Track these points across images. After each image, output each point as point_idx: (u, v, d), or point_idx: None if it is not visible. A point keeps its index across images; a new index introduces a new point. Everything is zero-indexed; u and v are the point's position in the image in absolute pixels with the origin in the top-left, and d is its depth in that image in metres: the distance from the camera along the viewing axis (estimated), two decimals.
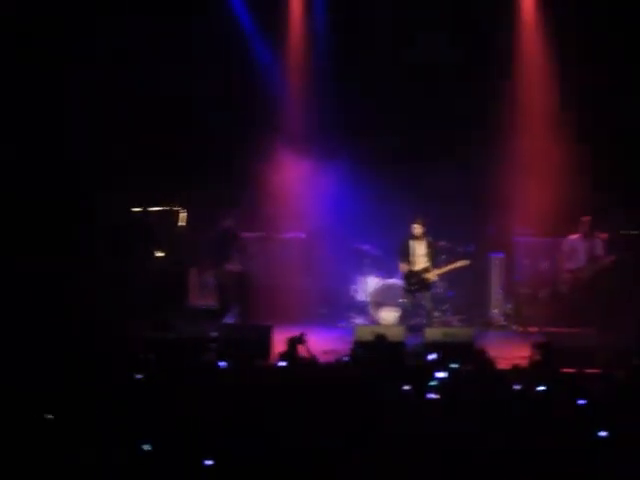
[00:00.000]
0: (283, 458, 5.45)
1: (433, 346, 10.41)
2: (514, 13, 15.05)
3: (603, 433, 5.81)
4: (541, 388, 7.02)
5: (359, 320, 14.42)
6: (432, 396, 6.81)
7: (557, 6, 14.43)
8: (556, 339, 10.92)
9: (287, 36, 15.45)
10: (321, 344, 11.33)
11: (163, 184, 14.47)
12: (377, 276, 14.64)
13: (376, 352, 9.31)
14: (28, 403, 6.37)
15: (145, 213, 14.84)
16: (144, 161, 14.21)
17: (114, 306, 12.84)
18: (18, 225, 13.55)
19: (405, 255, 12.98)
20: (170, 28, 14.41)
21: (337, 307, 14.89)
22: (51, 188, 13.94)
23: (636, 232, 14.19)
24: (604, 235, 13.65)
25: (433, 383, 7.10)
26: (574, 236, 13.58)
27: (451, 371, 7.70)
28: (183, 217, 14.87)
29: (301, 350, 9.17)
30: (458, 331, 12.04)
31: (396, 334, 11.03)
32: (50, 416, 6.15)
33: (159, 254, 14.58)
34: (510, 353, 11.07)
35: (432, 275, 12.92)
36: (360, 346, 10.58)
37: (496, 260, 14.85)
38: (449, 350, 9.75)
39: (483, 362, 7.94)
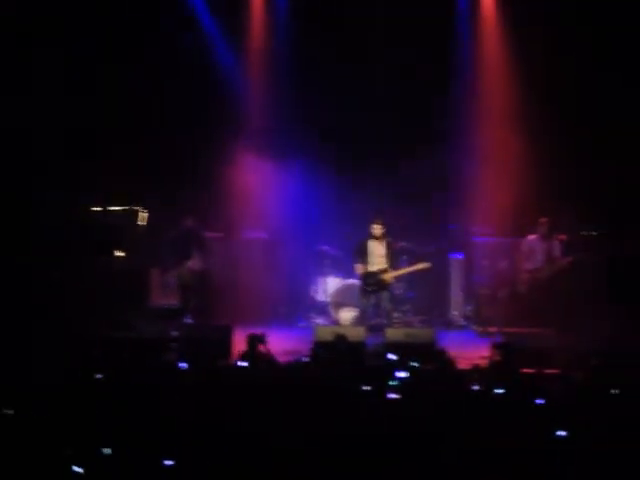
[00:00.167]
0: (243, 458, 5.44)
1: (394, 346, 10.42)
2: (474, 8, 15.17)
3: (562, 433, 5.85)
4: (499, 390, 7.05)
5: (319, 320, 14.45)
6: (392, 396, 6.82)
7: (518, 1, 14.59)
8: (515, 339, 10.98)
9: (248, 36, 15.43)
10: (281, 344, 11.30)
11: (123, 184, 14.37)
12: (337, 276, 14.67)
13: (336, 352, 9.31)
14: None
15: (105, 213, 14.73)
16: (104, 161, 14.08)
17: (74, 306, 12.75)
18: None
19: (363, 255, 12.96)
20: (127, 25, 14.31)
21: (297, 307, 14.90)
22: (9, 186, 13.79)
23: (594, 233, 14.29)
24: (562, 236, 13.76)
25: (394, 383, 7.11)
26: (532, 237, 13.69)
27: (411, 370, 7.71)
28: (144, 217, 14.77)
29: (261, 350, 9.15)
30: (419, 332, 12.04)
31: (356, 334, 11.03)
32: (10, 411, 6.10)
33: (120, 254, 14.48)
34: (470, 353, 11.12)
35: (389, 277, 12.92)
36: (320, 346, 10.58)
37: (456, 261, 14.93)
38: (410, 350, 9.76)
39: (444, 362, 7.98)
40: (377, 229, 12.85)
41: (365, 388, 6.96)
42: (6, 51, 13.68)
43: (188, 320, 13.42)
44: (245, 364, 8.50)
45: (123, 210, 14.82)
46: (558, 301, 13.25)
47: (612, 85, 13.94)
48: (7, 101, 13.58)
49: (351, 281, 14.28)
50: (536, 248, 13.63)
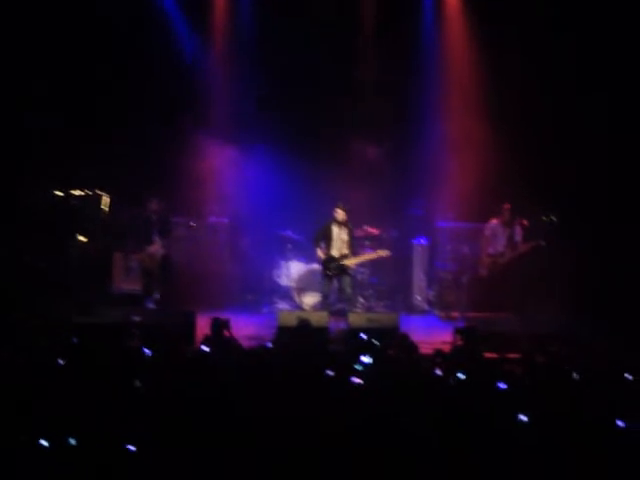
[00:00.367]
0: (205, 443, 5.43)
1: (357, 332, 10.44)
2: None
3: (523, 417, 5.90)
4: (461, 375, 7.08)
5: (283, 305, 14.44)
6: (356, 381, 6.83)
7: None
8: (478, 324, 11.05)
9: (210, 19, 15.33)
10: (245, 329, 11.31)
11: (86, 168, 14.26)
12: (300, 261, 14.66)
13: (299, 337, 9.32)
14: None
15: (68, 197, 14.62)
16: (67, 145, 13.96)
17: (37, 290, 12.67)
18: None
19: (325, 240, 12.95)
20: (89, 11, 14.18)
21: (261, 292, 14.87)
22: None
23: (555, 219, 14.38)
24: (524, 221, 13.83)
25: (358, 367, 7.12)
26: (495, 221, 13.73)
27: (374, 350, 7.74)
28: (106, 201, 14.69)
29: (225, 335, 9.14)
30: (382, 317, 12.05)
31: (319, 319, 11.05)
32: None
33: (82, 238, 14.39)
34: (433, 338, 11.18)
35: (350, 263, 12.92)
36: (283, 331, 10.59)
37: (419, 246, 14.98)
38: (373, 336, 9.79)
39: (406, 347, 8.00)
40: (340, 214, 12.83)
41: (329, 373, 6.96)
42: None
43: (150, 305, 13.36)
44: (208, 349, 8.49)
45: (85, 194, 14.73)
46: (517, 285, 13.34)
47: (573, 74, 14.02)
48: None
49: (314, 266, 14.27)
50: (498, 233, 13.68)
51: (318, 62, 14.84)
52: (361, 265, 13.66)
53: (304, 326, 9.54)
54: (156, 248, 13.41)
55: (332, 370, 6.99)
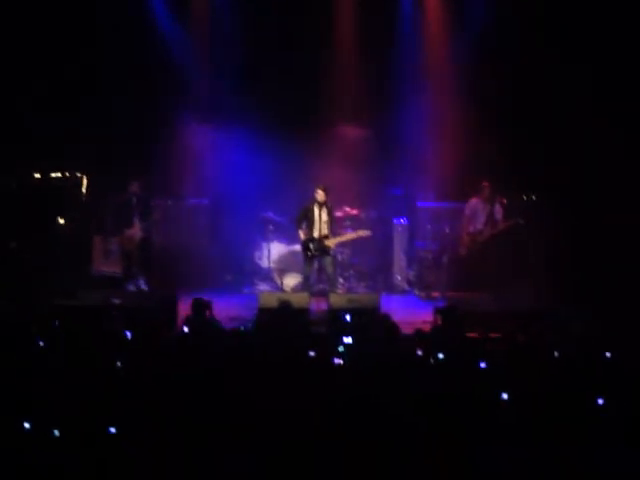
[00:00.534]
0: (187, 425, 5.44)
1: (338, 312, 10.46)
2: None
3: (504, 395, 5.93)
4: (442, 355, 7.11)
5: (263, 287, 14.43)
6: (338, 361, 6.85)
7: None
8: (458, 304, 11.08)
9: (190, 5, 15.22)
10: (226, 310, 11.31)
11: (65, 150, 14.19)
12: (281, 243, 14.65)
13: (280, 319, 9.32)
14: None
15: (47, 179, 14.56)
16: (46, 126, 13.88)
17: (17, 273, 12.64)
18: None
19: (307, 221, 12.93)
20: None
21: (241, 274, 14.86)
22: None
23: (534, 198, 14.45)
24: (504, 200, 13.86)
25: (340, 349, 7.13)
26: (475, 200, 13.74)
27: (355, 330, 7.76)
28: (85, 183, 14.63)
29: (207, 316, 9.13)
30: (363, 297, 12.07)
31: (300, 301, 11.05)
32: None
33: (61, 221, 14.34)
34: (413, 318, 11.22)
35: (331, 243, 12.90)
36: (264, 313, 10.59)
37: (399, 226, 14.99)
38: (354, 316, 9.83)
39: (387, 327, 8.02)
40: (320, 195, 12.81)
41: (311, 354, 6.98)
42: None
43: (131, 287, 13.34)
44: (187, 330, 8.50)
45: (64, 177, 14.67)
46: (496, 264, 13.39)
47: (552, 49, 14.02)
48: None
49: (295, 247, 14.26)
50: (478, 211, 13.70)
51: (299, 44, 14.79)
52: (341, 245, 13.65)
53: (285, 307, 9.54)
54: (135, 231, 13.36)
55: (314, 351, 7.01)
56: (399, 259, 14.94)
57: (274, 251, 14.59)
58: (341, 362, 6.82)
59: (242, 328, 8.88)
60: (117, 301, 11.12)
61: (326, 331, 9.77)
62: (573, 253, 13.34)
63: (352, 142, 15.05)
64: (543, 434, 5.28)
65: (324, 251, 12.84)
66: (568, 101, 13.82)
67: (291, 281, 14.24)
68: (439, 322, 9.13)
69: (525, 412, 5.61)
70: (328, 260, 12.89)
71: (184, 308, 10.16)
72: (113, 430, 5.32)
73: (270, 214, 14.72)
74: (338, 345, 7.35)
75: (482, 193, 13.64)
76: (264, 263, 14.71)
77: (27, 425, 5.34)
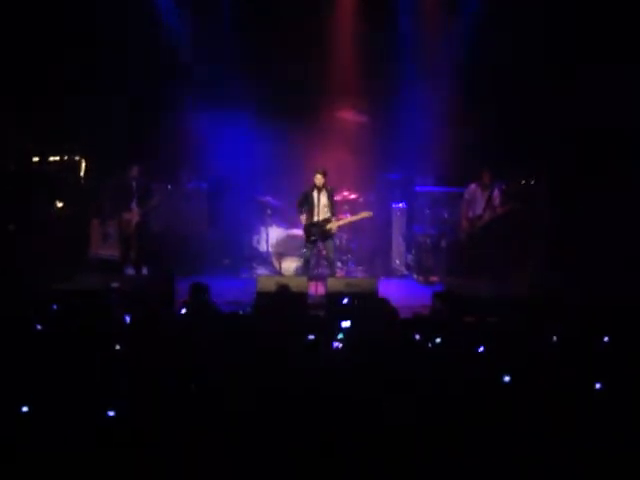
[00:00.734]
0: (185, 409, 5.44)
1: (336, 296, 10.46)
2: None
3: (506, 378, 5.94)
4: (439, 339, 7.11)
5: (262, 271, 14.45)
6: (337, 345, 6.86)
7: None
8: (456, 288, 11.09)
9: None
10: (224, 295, 11.30)
11: (64, 133, 14.16)
12: (280, 227, 14.66)
13: (279, 303, 9.33)
14: None
15: (45, 163, 14.53)
16: (45, 110, 13.85)
17: (16, 256, 12.64)
18: None
19: (307, 206, 12.92)
20: None
21: (240, 258, 14.87)
22: None
23: (533, 182, 14.45)
24: (503, 185, 13.86)
25: (340, 336, 7.12)
26: (474, 185, 13.72)
27: (353, 315, 7.75)
28: (84, 167, 14.60)
29: (204, 300, 9.13)
30: (361, 281, 12.08)
31: (299, 285, 11.05)
32: None
33: (59, 204, 14.32)
34: (412, 302, 11.22)
35: (333, 226, 12.89)
36: (262, 297, 10.59)
37: (398, 210, 14.99)
38: (352, 300, 9.83)
39: (385, 312, 8.01)
40: (319, 179, 12.79)
41: (310, 338, 6.98)
42: None
43: (129, 271, 13.33)
44: (187, 313, 8.50)
45: (63, 160, 14.64)
46: (495, 248, 13.40)
47: (549, 36, 14.02)
48: None
49: (293, 231, 14.29)
50: (477, 196, 13.68)
51: (299, 27, 14.73)
52: (340, 230, 13.64)
53: (283, 291, 9.54)
54: (133, 215, 13.29)
55: (313, 335, 7.01)
56: (397, 243, 14.96)
57: (272, 235, 14.59)
58: (340, 346, 6.82)
59: (241, 312, 8.88)
60: (115, 285, 11.12)
61: (325, 315, 9.76)
62: (572, 237, 13.35)
63: (351, 126, 15.08)
64: (542, 418, 5.29)
65: (326, 235, 12.83)
66: (566, 84, 13.81)
67: (290, 265, 14.25)
68: (437, 306, 9.12)
69: (522, 397, 5.62)
70: (329, 244, 12.89)
71: (182, 291, 10.16)
72: (112, 413, 5.31)
73: (269, 198, 14.72)
74: (337, 329, 7.35)
75: (481, 179, 13.62)
76: (262, 247, 14.73)
77: (25, 409, 5.34)
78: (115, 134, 14.17)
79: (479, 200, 13.65)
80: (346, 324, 7.47)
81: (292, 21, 14.66)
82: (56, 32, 13.97)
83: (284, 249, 14.38)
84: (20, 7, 13.74)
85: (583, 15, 13.71)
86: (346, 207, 14.11)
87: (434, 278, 14.03)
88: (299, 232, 13.91)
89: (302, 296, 10.77)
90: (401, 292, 12.82)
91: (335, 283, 11.45)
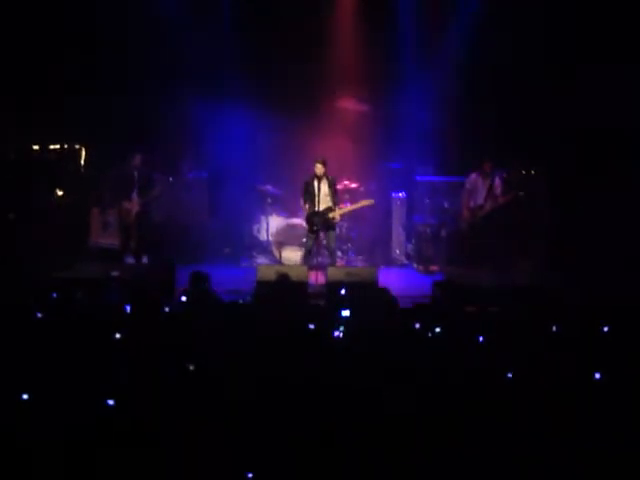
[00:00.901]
0: (185, 397, 5.44)
1: (336, 286, 10.47)
2: None
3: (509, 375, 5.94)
4: (439, 329, 7.12)
5: (262, 260, 14.45)
6: (338, 334, 6.86)
7: None
8: (456, 277, 11.10)
9: None
10: (224, 284, 11.30)
11: (64, 121, 14.14)
12: (280, 216, 14.65)
13: (279, 292, 9.33)
14: None
15: (45, 151, 14.51)
16: (45, 97, 13.83)
17: (16, 244, 12.64)
18: None
19: (308, 196, 12.92)
20: None
21: (240, 247, 14.87)
22: None
23: (533, 172, 14.44)
24: (504, 174, 13.84)
25: (341, 328, 7.12)
26: (475, 174, 13.68)
27: (353, 304, 7.76)
28: (84, 155, 14.59)
29: (204, 288, 9.14)
30: (361, 270, 12.07)
31: (299, 274, 11.06)
32: None
33: (59, 192, 14.31)
34: (412, 292, 11.23)
35: (336, 214, 12.89)
36: (262, 286, 10.60)
37: (398, 199, 14.98)
38: (353, 289, 9.83)
39: (385, 301, 8.01)
40: (319, 168, 12.78)
41: (310, 326, 6.98)
42: None
43: (129, 260, 13.33)
44: (187, 302, 8.50)
45: (63, 148, 14.62)
46: (496, 238, 13.40)
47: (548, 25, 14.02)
48: None
49: (294, 220, 14.29)
50: (478, 186, 13.64)
51: (299, 17, 14.71)
52: (342, 218, 13.62)
53: (283, 280, 9.54)
54: (133, 205, 13.25)
55: (313, 324, 7.01)
56: (397, 233, 14.95)
57: (273, 224, 14.59)
58: (340, 335, 6.83)
59: (240, 301, 8.89)
60: (115, 273, 11.13)
61: (325, 304, 9.76)
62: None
63: (352, 116, 15.05)
64: (541, 408, 5.29)
65: (328, 225, 12.83)
66: (568, 73, 13.80)
67: (290, 254, 14.24)
68: (437, 296, 9.13)
69: (522, 387, 5.62)
70: (331, 234, 12.89)
71: (182, 281, 10.16)
72: (111, 402, 5.32)
73: (269, 187, 14.71)
74: (337, 318, 7.35)
75: (482, 168, 13.59)
76: (263, 236, 14.72)
77: (25, 396, 5.34)
78: (115, 123, 14.13)
79: (480, 189, 13.62)
80: (346, 313, 7.48)
81: (294, 12, 14.63)
82: (53, 18, 13.95)
83: (284, 238, 14.37)
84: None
85: (584, 14, 13.70)
86: (347, 196, 14.08)
87: (434, 267, 14.04)
88: (299, 221, 13.92)
89: (302, 285, 10.77)
90: (401, 281, 12.83)
91: (335, 272, 11.46)
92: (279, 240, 14.39)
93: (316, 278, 11.92)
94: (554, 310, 8.11)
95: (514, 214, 13.66)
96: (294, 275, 10.46)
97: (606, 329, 7.21)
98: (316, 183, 12.82)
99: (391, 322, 7.32)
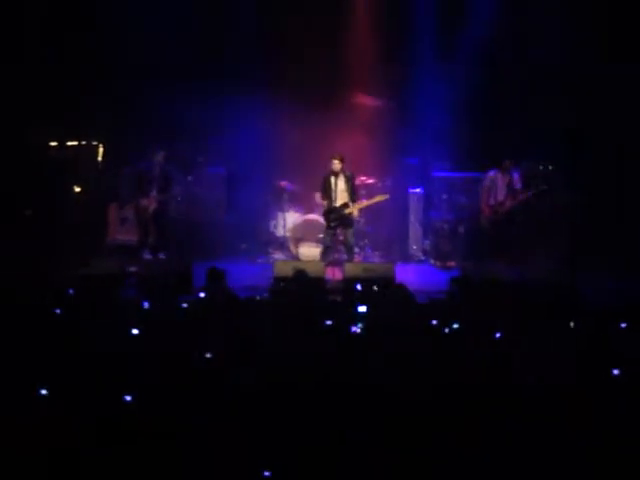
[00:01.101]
0: (206, 395, 5.45)
1: (353, 281, 10.46)
2: None
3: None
4: (457, 324, 7.10)
5: (278, 256, 14.45)
6: (356, 330, 6.86)
7: None
8: (474, 273, 11.07)
9: None
10: (241, 280, 11.31)
11: (81, 118, 14.19)
12: (296, 212, 14.65)
13: (296, 287, 9.32)
14: None
15: (63, 148, 14.56)
16: (63, 95, 13.87)
17: (33, 241, 12.68)
18: None
19: (326, 192, 12.95)
20: None
21: (256, 243, 14.87)
22: None
23: (550, 167, 14.39)
24: (522, 170, 13.78)
25: (358, 326, 7.11)
26: (493, 171, 13.61)
27: (370, 300, 7.75)
28: (101, 152, 14.62)
29: (221, 284, 9.15)
30: (378, 266, 12.08)
31: (316, 269, 11.05)
32: None
33: (77, 189, 14.36)
34: (429, 287, 11.22)
35: (353, 210, 12.89)
36: (280, 281, 10.60)
37: (415, 195, 14.95)
38: (369, 285, 9.82)
39: (403, 297, 8.01)
40: (336, 164, 12.80)
41: (328, 322, 6.98)
42: None
43: (147, 255, 13.35)
44: (204, 297, 8.52)
45: (81, 145, 14.67)
46: (518, 235, 13.36)
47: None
48: None
49: (310, 216, 14.28)
50: (497, 182, 13.56)
51: (317, 11, 14.72)
52: (359, 215, 13.62)
53: (300, 276, 9.53)
54: (150, 202, 13.28)
55: (330, 320, 7.01)
56: (414, 229, 14.93)
57: (289, 220, 14.59)
58: (358, 330, 6.83)
59: (257, 297, 8.89)
60: (133, 269, 11.15)
61: (342, 300, 9.76)
62: (592, 223, 13.34)
63: (369, 111, 15.04)
64: (559, 406, 5.27)
65: (344, 220, 12.84)
66: (583, 66, 13.77)
67: (306, 250, 14.23)
68: (454, 292, 9.11)
69: (540, 383, 5.60)
70: (348, 230, 12.91)
71: (200, 277, 10.17)
72: (129, 398, 5.33)
73: (286, 183, 14.71)
74: (354, 314, 7.35)
75: (502, 165, 13.49)
76: (279, 232, 14.72)
77: (44, 392, 5.36)
78: (132, 119, 14.16)
79: (500, 186, 13.51)
80: (362, 309, 7.47)
81: (310, 6, 14.63)
82: (67, 17, 14.01)
83: (301, 234, 14.36)
84: None
85: (603, 14, 13.68)
86: (363, 192, 14.06)
87: (451, 263, 14.01)
88: (316, 217, 13.92)
89: (320, 281, 10.77)
90: (418, 277, 12.82)
91: (352, 268, 11.46)
92: (296, 236, 14.39)
93: (333, 274, 11.93)
94: (572, 306, 8.09)
95: (534, 210, 13.61)
96: (311, 271, 10.45)
97: (624, 325, 7.18)
98: (333, 179, 12.85)
99: (408, 318, 7.31)
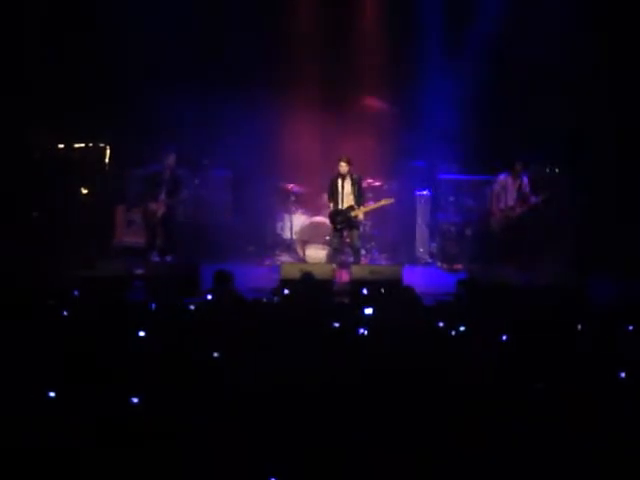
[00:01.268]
0: (209, 395, 5.46)
1: (360, 284, 10.46)
2: None
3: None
4: (462, 327, 7.10)
5: (285, 258, 14.45)
6: (363, 331, 6.86)
7: None
8: (481, 276, 11.06)
9: None
10: (248, 282, 11.32)
11: (89, 120, 14.20)
12: (303, 214, 14.65)
13: (303, 289, 9.33)
14: None
15: (70, 150, 14.58)
16: (70, 96, 13.89)
17: (40, 243, 12.70)
18: None
19: (333, 194, 12.96)
20: None
21: (263, 245, 14.88)
22: None
23: (557, 171, 14.40)
24: (530, 174, 13.77)
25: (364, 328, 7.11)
26: (503, 175, 13.59)
27: (377, 302, 7.75)
28: (108, 154, 14.64)
29: (228, 287, 9.16)
30: (385, 269, 12.08)
31: (323, 272, 11.06)
32: None
33: (84, 191, 14.38)
34: (436, 290, 11.21)
35: (359, 213, 12.90)
36: (287, 284, 10.60)
37: (422, 197, 14.94)
38: (376, 288, 9.82)
39: (409, 299, 8.01)
40: (343, 167, 12.80)
41: (335, 325, 6.99)
42: None
43: (154, 258, 13.36)
44: (211, 299, 8.52)
45: (88, 147, 14.68)
46: (526, 238, 13.36)
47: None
48: None
49: (317, 218, 14.28)
50: (508, 187, 13.55)
51: (323, 15, 14.73)
52: (365, 217, 13.62)
53: (307, 278, 9.54)
54: (159, 205, 13.27)
55: (337, 322, 7.02)
56: (421, 231, 14.91)
57: (296, 222, 14.58)
58: (365, 332, 6.83)
59: (264, 299, 8.90)
60: (140, 271, 11.17)
61: (349, 302, 9.76)
62: (596, 225, 13.32)
63: (375, 113, 15.03)
64: (563, 407, 5.27)
65: (350, 223, 12.84)
66: (592, 68, 13.77)
67: (313, 252, 14.22)
68: (461, 294, 9.11)
69: (546, 385, 5.60)
70: (355, 233, 12.91)
71: (207, 279, 10.18)
72: (136, 400, 5.34)
73: (292, 185, 14.71)
74: (361, 317, 7.36)
75: (513, 168, 13.47)
76: (286, 234, 14.72)
77: (52, 394, 5.37)
78: (139, 121, 14.16)
79: (510, 190, 13.50)
80: (369, 311, 7.48)
81: (319, 11, 14.65)
82: (72, 19, 14.04)
83: (308, 236, 14.35)
84: None
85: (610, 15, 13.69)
86: (370, 194, 14.06)
87: (458, 266, 14.00)
88: (323, 219, 13.91)
89: (327, 283, 10.77)
90: (425, 280, 12.81)
91: (359, 270, 11.45)
92: (303, 238, 14.38)
93: (340, 276, 11.93)
94: (579, 308, 8.09)
95: (542, 214, 13.60)
96: (319, 273, 10.45)
97: (630, 328, 7.18)
98: (340, 181, 12.85)
99: (415, 320, 7.32)
